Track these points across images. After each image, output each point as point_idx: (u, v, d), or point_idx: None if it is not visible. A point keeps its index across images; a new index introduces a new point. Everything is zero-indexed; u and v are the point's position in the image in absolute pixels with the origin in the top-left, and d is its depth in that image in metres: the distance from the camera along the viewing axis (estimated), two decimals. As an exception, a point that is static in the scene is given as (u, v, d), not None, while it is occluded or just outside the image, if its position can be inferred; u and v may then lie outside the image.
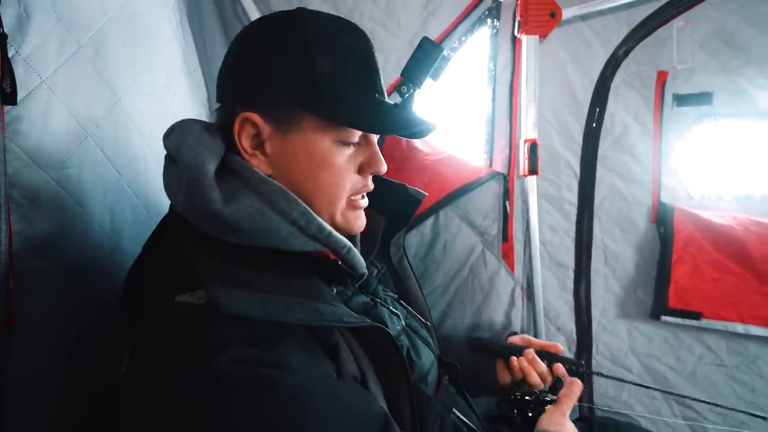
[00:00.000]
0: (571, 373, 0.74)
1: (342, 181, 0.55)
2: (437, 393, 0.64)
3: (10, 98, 0.45)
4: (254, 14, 1.09)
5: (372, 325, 0.50)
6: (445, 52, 0.59)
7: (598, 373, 0.76)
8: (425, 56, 0.55)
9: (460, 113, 1.27)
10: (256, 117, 0.52)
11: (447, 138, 1.21)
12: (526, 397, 0.69)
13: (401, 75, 0.57)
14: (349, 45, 0.54)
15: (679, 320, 1.10)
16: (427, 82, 0.59)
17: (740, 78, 1.10)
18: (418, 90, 0.57)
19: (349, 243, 0.54)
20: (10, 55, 0.45)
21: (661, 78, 1.12)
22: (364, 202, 0.60)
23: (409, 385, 0.51)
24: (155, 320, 0.46)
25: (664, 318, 1.11)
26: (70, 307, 0.53)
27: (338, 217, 0.56)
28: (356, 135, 0.55)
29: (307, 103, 0.51)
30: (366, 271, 0.59)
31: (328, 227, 0.52)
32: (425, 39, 0.55)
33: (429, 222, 1.12)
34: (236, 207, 0.48)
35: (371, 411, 0.44)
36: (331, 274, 0.55)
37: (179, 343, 0.42)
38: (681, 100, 1.13)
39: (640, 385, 0.82)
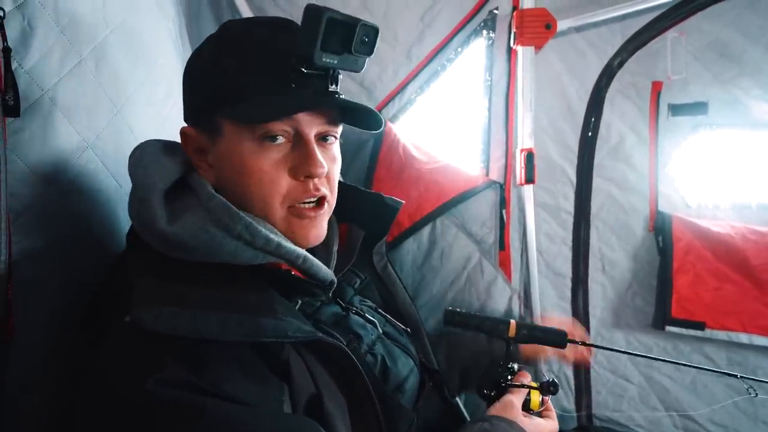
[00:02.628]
0: (555, 345, 0.71)
1: (269, 184, 0.51)
2: (419, 399, 0.63)
3: (13, 110, 0.46)
4: (254, 26, 1.11)
5: (323, 339, 0.48)
6: (333, 14, 0.47)
7: (593, 345, 0.73)
8: (306, 26, 0.47)
9: (457, 123, 1.28)
10: (190, 130, 0.54)
11: (444, 147, 1.22)
12: (503, 383, 0.67)
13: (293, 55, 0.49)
14: (259, 40, 0.51)
15: (683, 330, 1.09)
16: (346, 58, 0.50)
17: (735, 88, 1.10)
18: (314, 67, 0.49)
19: (304, 252, 0.53)
20: (13, 68, 0.46)
21: (656, 88, 1.13)
22: (315, 212, 0.55)
23: (370, 397, 0.50)
24: (104, 342, 0.46)
25: (668, 328, 1.09)
26: (68, 318, 0.54)
27: (280, 227, 0.53)
28: (277, 132, 0.51)
29: (215, 107, 0.52)
30: (334, 279, 0.58)
31: (276, 239, 0.50)
32: (307, 6, 0.47)
33: (426, 230, 1.12)
34: (180, 224, 0.47)
35: None
36: (291, 286, 0.54)
37: (116, 364, 0.42)
38: (676, 109, 1.14)
39: (633, 354, 0.80)
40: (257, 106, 0.50)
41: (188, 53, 1.03)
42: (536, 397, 0.65)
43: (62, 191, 0.54)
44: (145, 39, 0.77)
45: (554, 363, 1.19)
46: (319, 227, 0.56)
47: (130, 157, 0.55)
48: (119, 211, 0.65)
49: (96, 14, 0.62)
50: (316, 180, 0.53)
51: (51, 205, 0.52)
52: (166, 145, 0.56)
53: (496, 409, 0.62)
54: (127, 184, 0.67)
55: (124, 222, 0.66)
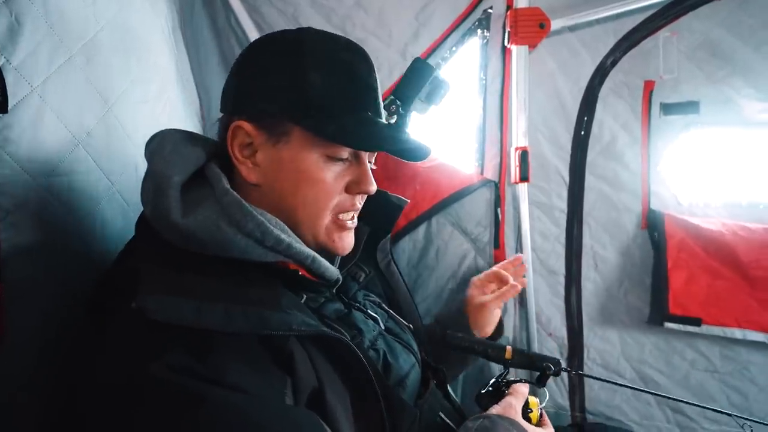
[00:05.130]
0: (548, 371, 0.72)
1: (327, 197, 0.55)
2: (423, 395, 0.64)
3: (1, 106, 0.46)
4: (248, 24, 1.10)
5: (328, 333, 0.49)
6: (439, 73, 0.57)
7: (588, 376, 0.74)
8: (415, 76, 0.56)
9: (452, 122, 1.28)
10: (248, 126, 0.53)
11: (439, 146, 1.22)
12: (504, 390, 0.68)
13: (392, 93, 0.57)
14: (345, 63, 0.55)
15: (681, 327, 1.10)
16: (423, 105, 0.59)
17: (726, 87, 1.12)
18: (408, 111, 0.57)
19: (312, 253, 0.54)
20: (0, 64, 0.46)
21: (648, 87, 1.14)
22: (353, 223, 0.59)
23: (374, 392, 0.51)
24: (110, 326, 0.46)
25: (667, 325, 1.10)
26: (60, 316, 0.53)
27: (322, 235, 0.56)
28: (345, 151, 0.55)
29: (295, 116, 0.52)
30: (339, 277, 0.59)
31: (287, 239, 0.51)
32: (417, 60, 0.57)
33: (422, 229, 1.12)
34: (193, 218, 0.48)
35: None
36: (297, 283, 0.55)
37: (119, 348, 0.43)
38: (668, 108, 1.15)
39: (630, 387, 0.81)
40: (351, 132, 0.52)
41: (182, 51, 1.03)
42: (535, 409, 0.66)
43: (53, 189, 0.54)
44: (137, 36, 0.76)
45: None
46: (352, 237, 0.60)
47: (148, 143, 0.54)
48: (111, 209, 0.65)
49: (86, 10, 0.61)
50: (360, 196, 0.58)
51: (41, 202, 0.52)
52: (187, 136, 0.56)
53: (495, 410, 0.62)
54: (119, 183, 0.67)
55: (116, 220, 0.66)
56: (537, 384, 0.68)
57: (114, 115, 0.67)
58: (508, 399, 0.64)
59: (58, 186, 0.55)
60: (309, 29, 0.56)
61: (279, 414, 0.42)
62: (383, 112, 0.58)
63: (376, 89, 0.56)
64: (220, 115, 0.59)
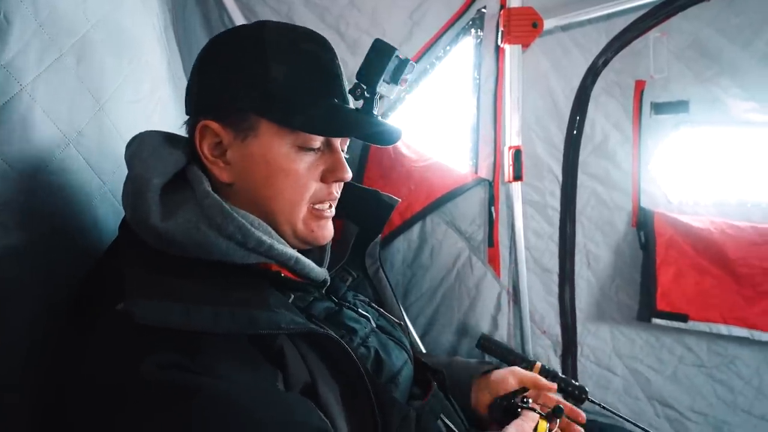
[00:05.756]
0: (572, 397, 0.72)
1: (301, 187, 0.54)
2: (426, 397, 0.64)
3: (-10, 105, 0.45)
4: (241, 23, 1.10)
5: (317, 331, 0.49)
6: (401, 54, 0.56)
7: (594, 401, 0.73)
8: (377, 57, 0.55)
9: (446, 121, 1.29)
10: (215, 125, 0.53)
11: (433, 145, 1.23)
12: (518, 409, 0.68)
13: (356, 77, 0.56)
14: (306, 52, 0.54)
15: (668, 323, 1.12)
16: (389, 87, 0.58)
17: (715, 87, 1.13)
18: (374, 93, 0.55)
19: (295, 254, 0.54)
20: (-11, 63, 0.45)
21: (639, 87, 1.16)
22: (330, 212, 0.59)
23: (365, 388, 0.51)
24: (97, 328, 0.46)
25: (654, 321, 1.12)
26: (50, 316, 0.53)
27: (300, 226, 0.56)
28: (317, 141, 0.54)
29: (261, 109, 0.52)
30: (327, 278, 0.59)
31: (268, 241, 0.51)
32: (377, 40, 0.55)
33: (416, 228, 1.13)
34: (173, 221, 0.48)
35: (306, 425, 0.42)
36: (282, 284, 0.54)
37: (108, 350, 0.43)
38: (658, 108, 1.16)
39: (632, 423, 0.81)
40: (319, 120, 0.52)
41: (173, 50, 1.02)
42: (543, 426, 0.65)
43: (43, 188, 0.53)
44: (128, 35, 0.75)
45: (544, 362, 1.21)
46: (331, 226, 0.60)
47: (128, 146, 0.54)
48: (103, 209, 0.64)
49: (77, 9, 0.60)
50: (336, 184, 0.57)
51: (31, 202, 0.51)
52: (167, 137, 0.56)
53: (509, 431, 0.61)
54: (111, 182, 0.66)
55: (108, 220, 0.65)
56: (546, 419, 0.66)
57: (106, 114, 0.66)
58: (519, 421, 0.64)
59: (49, 185, 0.54)
60: (268, 22, 0.56)
61: (272, 399, 0.42)
62: (350, 98, 0.57)
63: (340, 76, 0.56)
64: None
